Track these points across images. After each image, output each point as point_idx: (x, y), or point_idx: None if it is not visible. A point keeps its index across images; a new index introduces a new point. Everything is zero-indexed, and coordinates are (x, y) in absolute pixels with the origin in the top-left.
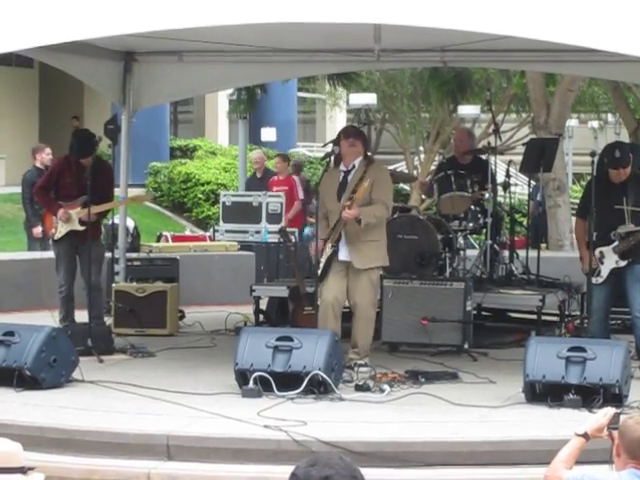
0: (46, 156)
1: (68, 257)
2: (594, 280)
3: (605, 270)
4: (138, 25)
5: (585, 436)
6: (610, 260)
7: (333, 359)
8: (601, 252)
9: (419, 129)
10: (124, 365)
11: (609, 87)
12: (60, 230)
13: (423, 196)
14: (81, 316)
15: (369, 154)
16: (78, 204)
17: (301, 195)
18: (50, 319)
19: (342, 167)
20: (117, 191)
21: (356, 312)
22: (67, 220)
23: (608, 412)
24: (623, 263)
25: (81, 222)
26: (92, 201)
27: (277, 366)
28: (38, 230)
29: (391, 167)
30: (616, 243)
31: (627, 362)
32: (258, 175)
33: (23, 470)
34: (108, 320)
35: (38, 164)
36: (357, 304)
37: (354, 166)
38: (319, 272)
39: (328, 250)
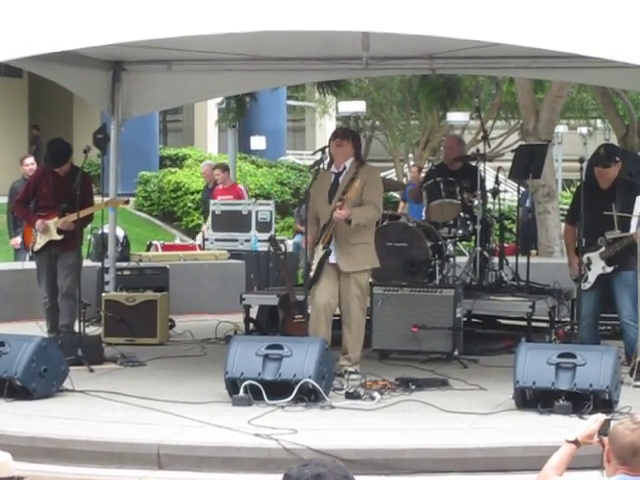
0: (26, 167)
1: (48, 268)
2: (582, 286)
3: (592, 276)
4: (127, 34)
5: (576, 442)
6: (597, 266)
7: (323, 367)
8: (588, 258)
9: (408, 136)
10: (114, 374)
11: (598, 93)
12: (39, 242)
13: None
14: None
15: (361, 156)
16: (56, 213)
17: None
18: (38, 329)
19: (333, 169)
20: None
21: (346, 319)
22: (45, 231)
23: (598, 418)
24: (609, 269)
25: (59, 231)
26: (71, 209)
27: (267, 374)
28: (16, 241)
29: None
30: (602, 249)
31: (617, 368)
32: (210, 186)
33: None
34: (98, 329)
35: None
36: (347, 310)
37: (345, 167)
38: (311, 274)
39: (320, 252)
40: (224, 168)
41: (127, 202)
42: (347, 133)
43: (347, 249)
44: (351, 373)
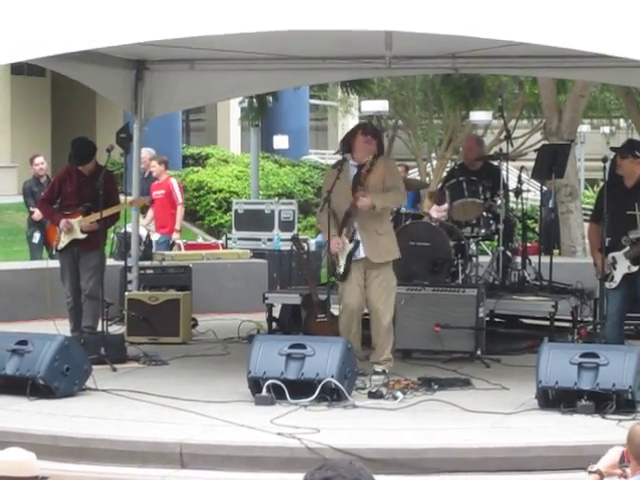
0: (36, 166)
1: (71, 268)
2: (607, 285)
3: (618, 275)
4: (150, 34)
5: (598, 473)
6: (622, 265)
7: (346, 366)
8: (613, 257)
9: (431, 135)
10: (137, 373)
11: (621, 92)
12: (63, 240)
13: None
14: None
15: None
16: (79, 213)
17: (180, 199)
18: (60, 328)
19: (353, 162)
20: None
21: (375, 317)
22: (69, 230)
23: (618, 449)
24: (635, 269)
25: (82, 230)
26: (95, 208)
27: (290, 374)
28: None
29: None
30: (627, 248)
31: None
32: (145, 175)
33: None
34: (121, 328)
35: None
36: (377, 310)
37: (367, 160)
38: (341, 270)
39: (348, 247)
40: (161, 161)
41: (152, 202)
42: (377, 132)
43: (376, 239)
44: (377, 373)
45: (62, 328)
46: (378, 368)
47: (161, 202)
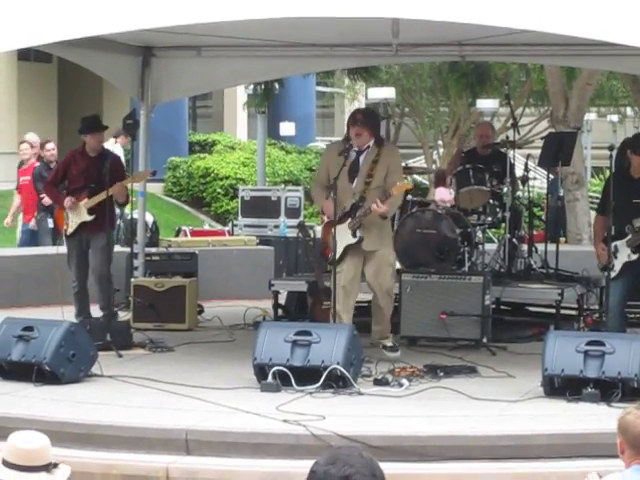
0: (47, 152)
1: (79, 252)
2: (610, 275)
3: (618, 264)
4: (156, 20)
5: None
6: (623, 254)
7: (352, 353)
8: (615, 246)
9: (438, 123)
10: (143, 360)
11: (628, 81)
12: (71, 225)
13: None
14: (96, 310)
15: (382, 137)
16: (85, 195)
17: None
18: (64, 314)
19: (355, 147)
20: (136, 186)
21: (376, 296)
22: (74, 209)
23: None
24: (635, 257)
25: (90, 212)
26: (99, 189)
27: (296, 360)
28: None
29: (410, 161)
30: (629, 236)
31: None
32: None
33: (48, 468)
34: (127, 315)
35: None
36: (377, 287)
37: (368, 146)
38: (337, 257)
39: (350, 239)
40: (31, 144)
41: (154, 173)
42: (364, 121)
43: (371, 229)
44: (390, 348)
45: (68, 315)
46: (388, 343)
47: (27, 188)
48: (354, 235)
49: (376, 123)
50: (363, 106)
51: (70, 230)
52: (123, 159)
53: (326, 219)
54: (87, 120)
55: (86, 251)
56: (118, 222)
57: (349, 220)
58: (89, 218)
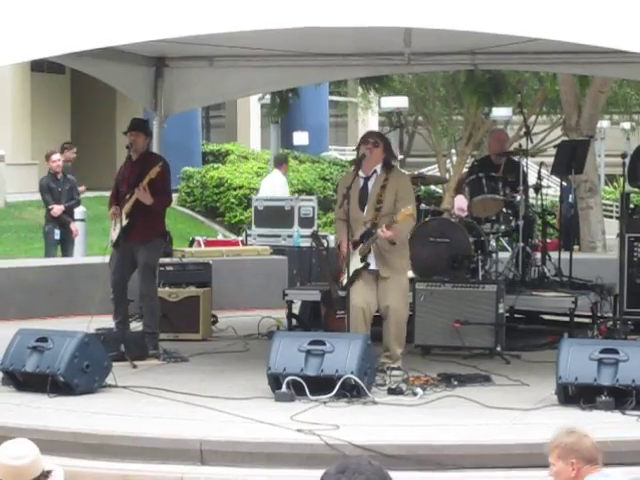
0: (52, 163)
1: (117, 260)
2: None
3: None
4: (169, 30)
5: None
6: None
7: (366, 363)
8: None
9: (451, 132)
10: (157, 370)
11: None
12: (114, 233)
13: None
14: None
15: (394, 160)
16: (126, 200)
17: None
18: (82, 325)
19: (361, 174)
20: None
21: (387, 316)
22: (116, 216)
23: None
24: None
25: (127, 215)
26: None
27: (310, 370)
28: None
29: (423, 170)
30: None
31: None
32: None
33: None
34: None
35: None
36: (388, 308)
37: (375, 172)
38: (344, 282)
39: (358, 263)
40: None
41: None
42: (378, 139)
43: (385, 256)
44: (393, 369)
45: (81, 325)
46: (393, 365)
47: None
48: (362, 260)
49: (388, 144)
50: (376, 115)
51: (114, 237)
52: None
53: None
54: (131, 120)
55: (128, 261)
56: None
57: (360, 246)
58: (125, 222)
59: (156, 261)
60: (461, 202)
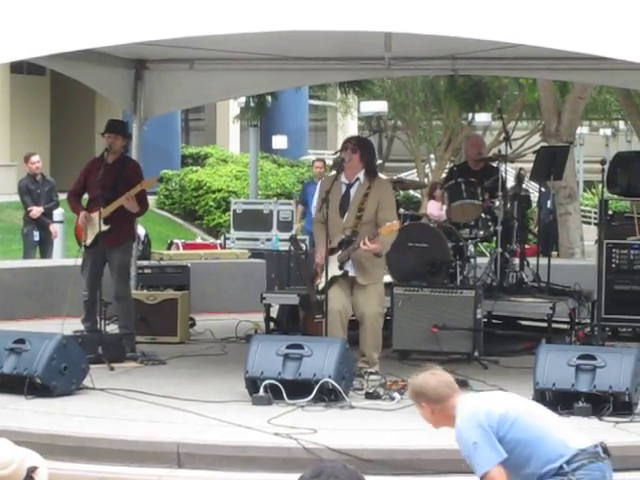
0: (32, 165)
1: (92, 262)
2: None
3: None
4: (150, 33)
5: None
6: None
7: (343, 367)
8: None
9: (430, 137)
10: (135, 373)
11: (620, 95)
12: (89, 235)
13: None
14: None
15: (376, 166)
16: (99, 205)
17: None
18: (60, 327)
19: (344, 179)
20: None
21: (363, 323)
22: (87, 223)
23: None
24: None
25: (106, 221)
26: (113, 199)
27: (287, 374)
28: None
29: (402, 175)
30: None
31: (637, 370)
32: None
33: None
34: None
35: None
36: (364, 314)
37: (358, 179)
38: (322, 286)
39: (336, 270)
40: None
41: (161, 180)
42: (358, 145)
43: (363, 264)
44: (371, 374)
45: (58, 327)
46: (371, 369)
47: None
48: (340, 268)
49: (369, 150)
50: (356, 120)
51: (89, 241)
52: None
53: (317, 261)
54: (108, 122)
55: (102, 263)
56: None
57: (339, 252)
58: (105, 228)
59: (130, 262)
60: (432, 208)
